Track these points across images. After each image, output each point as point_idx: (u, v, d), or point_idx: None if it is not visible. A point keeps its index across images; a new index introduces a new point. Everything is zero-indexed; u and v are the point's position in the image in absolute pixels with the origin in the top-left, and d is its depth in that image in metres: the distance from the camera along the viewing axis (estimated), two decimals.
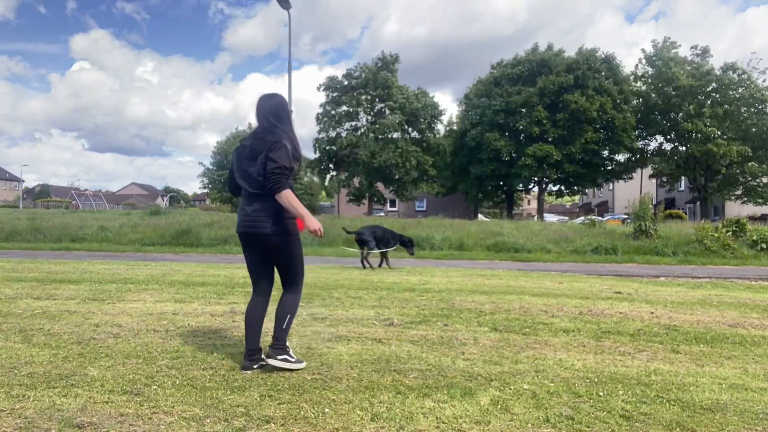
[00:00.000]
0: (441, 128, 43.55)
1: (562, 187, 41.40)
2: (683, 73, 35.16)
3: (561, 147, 36.52)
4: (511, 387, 3.27)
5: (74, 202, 57.27)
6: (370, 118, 41.52)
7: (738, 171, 35.87)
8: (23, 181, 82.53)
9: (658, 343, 4.55)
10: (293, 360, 3.49)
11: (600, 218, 28.43)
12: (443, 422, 2.72)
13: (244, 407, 2.85)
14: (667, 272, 12.20)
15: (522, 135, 38.02)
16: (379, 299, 6.51)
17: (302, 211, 3.32)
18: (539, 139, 36.94)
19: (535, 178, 39.35)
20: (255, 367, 3.47)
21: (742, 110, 35.73)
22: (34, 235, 18.00)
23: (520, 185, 41.04)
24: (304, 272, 3.64)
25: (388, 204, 52.01)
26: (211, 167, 69.83)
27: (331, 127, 41.90)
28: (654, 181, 44.16)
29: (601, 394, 3.17)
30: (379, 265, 11.17)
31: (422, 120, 40.90)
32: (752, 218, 26.05)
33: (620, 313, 5.88)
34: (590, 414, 2.86)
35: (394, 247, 11.39)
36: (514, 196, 45.86)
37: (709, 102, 35.61)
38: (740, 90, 35.14)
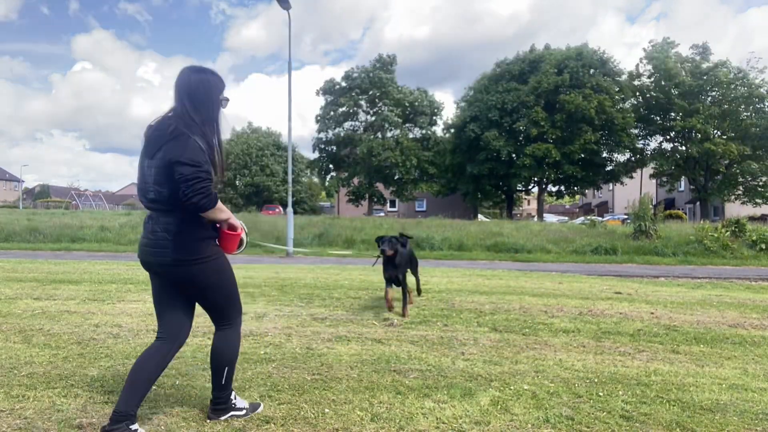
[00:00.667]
0: (440, 125, 43.62)
1: (562, 188, 41.41)
2: (682, 70, 35.19)
3: (560, 147, 36.50)
4: (511, 387, 3.27)
5: (74, 202, 57.27)
6: (369, 117, 41.59)
7: (738, 171, 35.86)
8: (23, 181, 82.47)
9: (658, 343, 4.55)
10: (242, 413, 2.75)
11: (600, 218, 28.42)
12: (443, 422, 2.72)
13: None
14: (667, 272, 12.20)
15: (521, 136, 38.00)
16: (379, 299, 6.51)
17: (234, 222, 2.55)
18: (538, 140, 36.92)
19: (535, 179, 39.34)
20: None
21: (741, 109, 35.72)
22: (33, 235, 18.00)
23: (520, 186, 41.01)
24: (240, 302, 2.73)
25: (388, 204, 52.01)
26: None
27: (330, 127, 42.03)
28: (654, 181, 44.11)
29: (601, 394, 3.17)
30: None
31: (421, 116, 40.94)
32: (752, 218, 26.04)
33: (620, 313, 5.88)
34: (590, 414, 2.86)
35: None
36: (513, 196, 45.82)
37: (708, 100, 35.62)
38: (739, 89, 35.13)
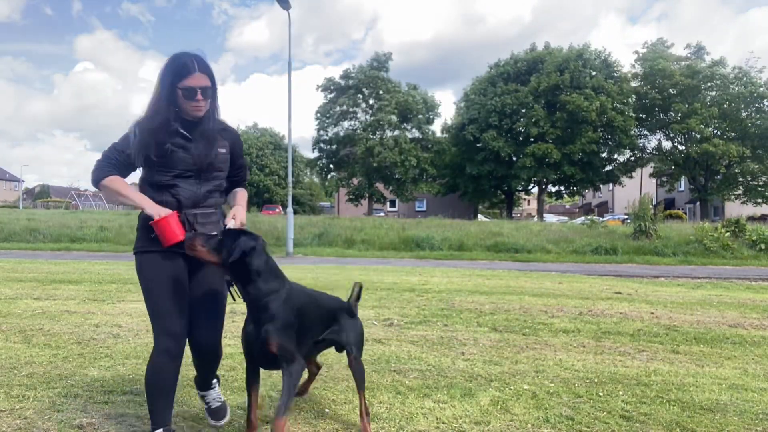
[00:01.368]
0: (438, 124, 43.69)
1: (562, 188, 41.42)
2: (677, 69, 35.19)
3: (560, 147, 36.48)
4: (511, 387, 3.27)
5: (74, 202, 57.20)
6: (368, 117, 41.60)
7: (738, 171, 35.86)
8: (23, 181, 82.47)
9: (658, 343, 4.55)
10: None
11: (600, 218, 28.41)
12: (443, 422, 2.72)
13: (243, 408, 2.83)
14: (667, 272, 12.20)
15: (521, 136, 37.98)
16: (379, 299, 6.51)
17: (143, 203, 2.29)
18: (538, 140, 36.90)
19: (535, 179, 39.32)
20: None
21: (740, 108, 35.71)
22: (33, 235, 17.99)
23: (520, 186, 41.00)
24: (162, 320, 2.29)
25: (388, 204, 52.00)
26: None
27: (329, 125, 42.06)
28: (654, 181, 44.13)
29: (601, 394, 3.17)
30: None
31: (419, 115, 40.93)
32: (752, 218, 26.05)
33: (620, 313, 5.88)
34: (590, 414, 2.86)
35: None
36: (513, 196, 45.79)
37: (707, 100, 35.60)
38: (738, 88, 35.12)
